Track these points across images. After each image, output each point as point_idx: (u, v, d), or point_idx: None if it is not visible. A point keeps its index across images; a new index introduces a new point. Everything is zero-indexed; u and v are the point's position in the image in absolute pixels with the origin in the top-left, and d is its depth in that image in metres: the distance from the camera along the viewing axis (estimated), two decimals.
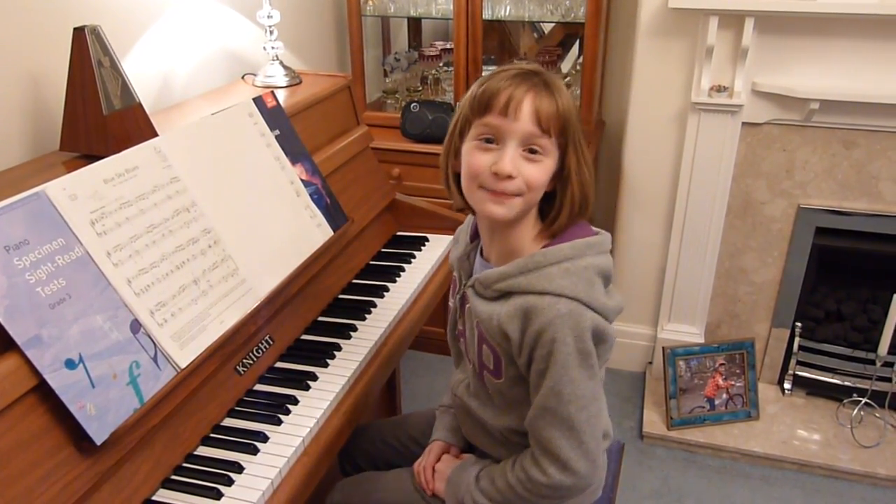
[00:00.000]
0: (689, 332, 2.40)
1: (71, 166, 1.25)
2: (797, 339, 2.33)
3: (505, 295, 1.02)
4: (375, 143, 1.92)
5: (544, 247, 1.03)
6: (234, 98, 1.71)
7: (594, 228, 1.09)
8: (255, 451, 1.11)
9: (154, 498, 1.03)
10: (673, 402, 2.25)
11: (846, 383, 2.31)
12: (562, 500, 1.07)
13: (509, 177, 0.97)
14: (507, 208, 0.99)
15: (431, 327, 2.60)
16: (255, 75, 1.84)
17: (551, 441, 1.01)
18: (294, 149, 1.49)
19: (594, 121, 2.38)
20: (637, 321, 2.54)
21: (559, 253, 1.00)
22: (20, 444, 0.89)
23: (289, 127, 1.50)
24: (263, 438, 1.14)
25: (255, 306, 1.25)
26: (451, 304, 1.20)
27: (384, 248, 1.78)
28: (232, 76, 1.94)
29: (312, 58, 2.38)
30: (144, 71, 1.64)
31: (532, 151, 0.98)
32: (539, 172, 0.99)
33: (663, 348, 2.26)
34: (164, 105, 1.70)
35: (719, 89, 2.07)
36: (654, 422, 2.28)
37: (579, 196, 1.02)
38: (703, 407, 2.27)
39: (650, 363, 2.53)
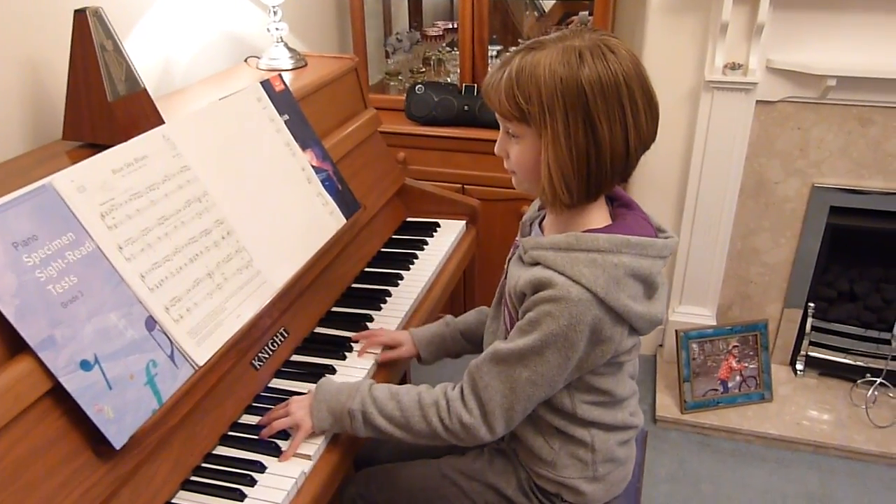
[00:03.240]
0: (701, 314, 2.36)
1: (75, 156, 1.20)
2: (809, 320, 2.30)
3: (537, 264, 1.00)
4: (380, 127, 1.87)
5: (586, 231, 0.99)
6: (238, 82, 1.65)
7: (660, 229, 1.05)
8: (277, 450, 1.07)
9: (174, 501, 0.99)
10: (686, 386, 2.22)
11: (859, 363, 2.29)
12: (460, 443, 1.06)
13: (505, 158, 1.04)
14: (516, 182, 1.05)
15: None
16: (258, 58, 1.78)
17: (488, 389, 1.01)
18: (304, 134, 1.44)
19: None
20: None
21: (592, 242, 0.96)
22: (36, 450, 0.84)
23: (298, 111, 1.45)
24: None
25: (271, 298, 1.21)
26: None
27: (395, 234, 1.74)
28: (234, 59, 1.88)
29: (312, 39, 2.32)
30: (144, 55, 1.58)
31: (508, 133, 1.01)
32: (515, 152, 1.00)
33: (676, 331, 2.23)
34: (165, 90, 1.64)
35: (733, 66, 2.01)
36: (667, 405, 2.26)
37: (547, 182, 0.96)
38: (717, 390, 2.24)
39: (661, 346, 2.50)
